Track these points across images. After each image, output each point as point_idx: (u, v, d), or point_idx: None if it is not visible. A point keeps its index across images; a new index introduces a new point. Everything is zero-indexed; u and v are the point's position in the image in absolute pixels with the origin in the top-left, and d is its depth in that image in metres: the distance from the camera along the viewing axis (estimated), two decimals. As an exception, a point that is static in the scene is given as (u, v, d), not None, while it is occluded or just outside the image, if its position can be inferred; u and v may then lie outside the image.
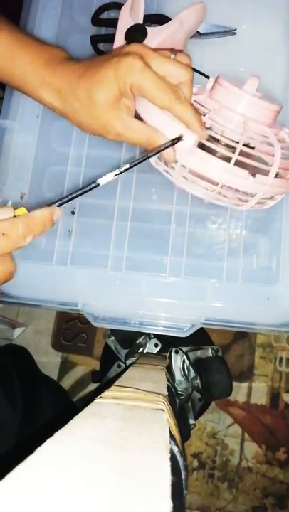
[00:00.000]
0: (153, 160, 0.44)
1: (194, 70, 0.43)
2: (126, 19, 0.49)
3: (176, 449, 0.24)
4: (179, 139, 0.36)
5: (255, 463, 0.96)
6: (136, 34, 0.47)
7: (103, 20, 0.56)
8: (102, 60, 0.37)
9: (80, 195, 0.33)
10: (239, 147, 0.37)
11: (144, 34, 0.46)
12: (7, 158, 0.54)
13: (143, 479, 0.17)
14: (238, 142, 0.38)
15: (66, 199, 0.33)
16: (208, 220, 0.50)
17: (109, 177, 0.33)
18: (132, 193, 0.51)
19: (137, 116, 0.39)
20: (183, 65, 0.37)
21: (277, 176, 0.38)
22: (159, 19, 0.51)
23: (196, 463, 0.97)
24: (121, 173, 0.33)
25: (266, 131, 0.39)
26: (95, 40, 0.55)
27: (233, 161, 0.37)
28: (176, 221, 0.50)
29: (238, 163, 0.37)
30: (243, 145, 0.38)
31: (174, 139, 0.36)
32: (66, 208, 0.52)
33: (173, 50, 0.39)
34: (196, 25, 0.51)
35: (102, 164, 0.52)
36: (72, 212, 0.52)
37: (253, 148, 0.40)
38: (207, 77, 0.43)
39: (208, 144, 0.38)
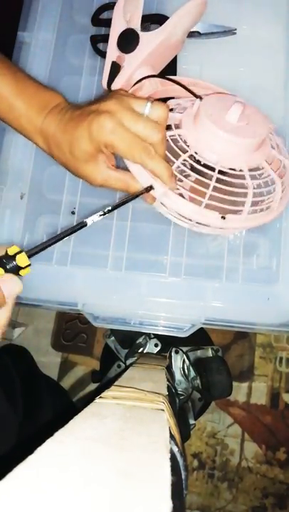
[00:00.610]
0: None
1: (185, 88, 0.44)
2: (118, 21, 0.49)
3: (176, 449, 0.24)
4: (150, 187, 0.40)
5: (255, 463, 0.96)
6: (127, 41, 0.48)
7: (103, 20, 0.56)
8: (81, 115, 0.39)
9: (67, 235, 0.34)
10: (212, 184, 0.39)
11: (136, 40, 0.47)
12: (7, 158, 0.54)
13: (143, 479, 0.17)
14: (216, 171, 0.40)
15: (53, 241, 0.34)
16: (208, 220, 0.50)
17: (96, 217, 0.36)
18: (132, 193, 0.51)
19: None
20: (154, 125, 0.38)
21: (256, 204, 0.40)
22: (159, 19, 0.51)
23: (196, 463, 0.97)
24: (105, 213, 0.36)
25: (243, 168, 0.40)
26: (95, 40, 0.55)
27: (205, 200, 0.39)
28: (176, 221, 0.50)
29: (217, 190, 0.39)
30: (220, 172, 0.40)
31: (146, 188, 0.40)
32: (66, 208, 0.52)
33: (149, 99, 0.40)
34: (195, 22, 0.51)
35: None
36: (72, 213, 0.52)
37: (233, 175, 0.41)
38: (198, 97, 0.43)
39: (184, 179, 0.41)
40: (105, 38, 0.55)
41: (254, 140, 0.40)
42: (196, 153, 0.41)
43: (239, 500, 0.95)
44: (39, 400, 0.68)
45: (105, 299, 0.50)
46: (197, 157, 0.41)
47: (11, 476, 0.16)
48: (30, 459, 0.18)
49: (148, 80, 0.47)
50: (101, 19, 0.56)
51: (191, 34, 0.52)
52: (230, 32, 0.53)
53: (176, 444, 0.25)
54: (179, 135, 0.42)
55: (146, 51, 0.47)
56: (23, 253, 0.32)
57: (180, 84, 0.44)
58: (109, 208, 0.37)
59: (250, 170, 0.41)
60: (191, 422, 0.77)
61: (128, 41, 0.48)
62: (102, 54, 0.54)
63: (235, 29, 0.53)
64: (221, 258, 0.48)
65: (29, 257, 0.32)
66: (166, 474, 0.17)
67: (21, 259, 0.32)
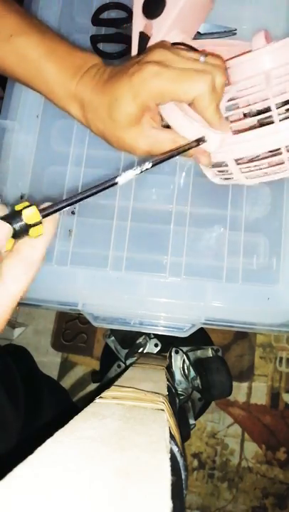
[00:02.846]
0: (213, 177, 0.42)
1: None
2: None
3: (176, 449, 0.24)
4: (201, 140, 0.34)
5: (255, 463, 0.96)
6: (153, 5, 0.43)
7: (103, 20, 0.56)
8: (121, 71, 0.35)
9: (93, 194, 0.29)
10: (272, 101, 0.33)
11: (163, 2, 0.42)
12: (7, 158, 0.54)
13: (143, 479, 0.17)
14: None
15: (82, 196, 0.28)
16: (208, 220, 0.50)
17: (130, 175, 0.29)
18: (132, 193, 0.51)
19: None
20: (212, 63, 0.34)
21: None
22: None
23: (196, 463, 0.97)
24: (142, 171, 0.30)
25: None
26: (95, 40, 0.55)
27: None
28: (176, 221, 0.50)
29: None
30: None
31: (197, 140, 0.34)
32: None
33: (204, 52, 0.36)
34: None
35: (102, 164, 0.52)
36: (72, 212, 0.52)
37: None
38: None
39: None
40: (105, 38, 0.55)
41: None
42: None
43: (239, 500, 0.95)
44: (40, 400, 0.67)
45: (105, 299, 0.50)
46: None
47: (11, 476, 0.16)
48: (30, 459, 0.18)
49: (180, 44, 0.42)
50: (101, 19, 0.56)
51: (191, 34, 0.52)
52: (230, 32, 0.53)
53: (176, 444, 0.25)
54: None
55: (174, 12, 0.43)
56: (33, 207, 0.25)
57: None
58: (149, 165, 0.31)
59: None
60: (191, 422, 0.77)
61: (154, 5, 0.43)
62: (103, 54, 0.54)
63: (236, 29, 0.53)
64: (221, 258, 0.48)
65: (43, 216, 0.26)
66: (166, 474, 0.17)
67: (30, 216, 0.25)
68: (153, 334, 0.75)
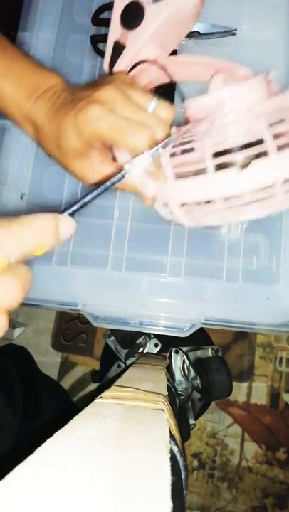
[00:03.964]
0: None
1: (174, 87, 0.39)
2: None
3: (176, 449, 0.24)
4: (124, 174, 0.32)
5: (255, 463, 0.96)
6: (132, 15, 0.41)
7: (103, 20, 0.56)
8: (72, 102, 0.34)
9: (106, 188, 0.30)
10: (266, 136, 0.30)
11: (142, 14, 0.41)
12: (7, 158, 0.54)
13: (143, 479, 0.17)
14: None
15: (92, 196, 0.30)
16: (208, 220, 0.50)
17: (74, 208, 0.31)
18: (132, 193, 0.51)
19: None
20: (157, 120, 0.33)
21: None
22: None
23: (196, 463, 0.97)
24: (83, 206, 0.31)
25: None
26: (95, 40, 0.55)
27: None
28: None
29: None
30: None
31: (121, 174, 0.32)
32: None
33: (156, 95, 0.34)
34: None
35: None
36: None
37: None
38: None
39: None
40: (105, 38, 0.55)
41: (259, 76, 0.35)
42: None
43: (239, 500, 0.95)
44: (39, 400, 0.68)
45: (105, 299, 0.50)
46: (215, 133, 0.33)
47: (11, 476, 0.16)
48: (30, 459, 0.18)
49: (151, 62, 0.42)
50: (101, 19, 0.56)
51: (191, 34, 0.52)
52: (230, 32, 0.53)
53: (176, 444, 0.25)
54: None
55: (152, 25, 0.41)
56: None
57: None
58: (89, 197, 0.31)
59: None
60: (191, 422, 0.77)
61: (132, 15, 0.41)
62: (103, 54, 0.54)
63: (236, 29, 0.53)
64: (221, 258, 0.48)
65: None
66: (166, 474, 0.17)
67: None
68: (153, 334, 0.75)
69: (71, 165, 0.36)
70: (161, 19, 0.41)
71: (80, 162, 0.35)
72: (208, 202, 0.33)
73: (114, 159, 0.37)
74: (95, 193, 0.32)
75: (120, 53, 0.43)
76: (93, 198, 0.31)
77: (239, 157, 0.31)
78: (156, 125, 0.33)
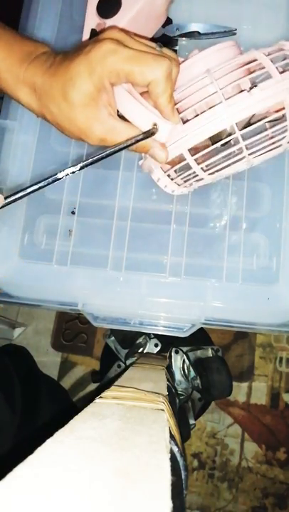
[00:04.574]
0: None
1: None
2: None
3: (176, 449, 0.24)
4: (150, 132, 0.33)
5: (255, 463, 0.96)
6: (108, 4, 0.42)
7: (103, 20, 0.55)
8: (74, 53, 0.34)
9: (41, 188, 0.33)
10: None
11: (118, 4, 0.42)
12: (7, 158, 0.54)
13: (143, 479, 0.17)
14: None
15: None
16: (208, 220, 0.50)
17: (71, 169, 0.32)
18: (132, 193, 0.51)
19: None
20: (167, 54, 0.33)
21: None
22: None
23: (196, 463, 0.97)
24: (82, 168, 0.33)
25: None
26: (95, 40, 0.55)
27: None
28: (176, 221, 0.50)
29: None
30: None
31: (146, 132, 0.33)
32: (66, 208, 0.52)
33: (159, 44, 0.35)
34: None
35: (102, 164, 0.52)
36: (72, 212, 0.52)
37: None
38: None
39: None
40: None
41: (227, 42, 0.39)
42: None
43: (239, 500, 0.95)
44: (39, 400, 0.68)
45: (105, 299, 0.50)
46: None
47: (11, 476, 0.16)
48: (30, 459, 0.18)
49: None
50: (101, 19, 0.56)
51: (191, 34, 0.52)
52: (230, 32, 0.53)
53: (176, 444, 0.25)
54: None
55: (128, 15, 0.42)
56: None
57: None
58: (94, 157, 0.31)
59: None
60: (191, 422, 0.77)
61: (109, 5, 0.42)
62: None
63: (236, 29, 0.53)
64: (221, 258, 0.48)
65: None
66: (166, 474, 0.17)
67: None
68: (153, 334, 0.75)
69: (77, 115, 0.34)
70: (137, 9, 0.42)
71: (88, 111, 0.34)
72: (225, 144, 0.36)
73: (121, 117, 0.36)
74: (118, 147, 0.34)
75: None
76: (113, 153, 0.32)
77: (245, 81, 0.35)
78: (171, 58, 0.33)
